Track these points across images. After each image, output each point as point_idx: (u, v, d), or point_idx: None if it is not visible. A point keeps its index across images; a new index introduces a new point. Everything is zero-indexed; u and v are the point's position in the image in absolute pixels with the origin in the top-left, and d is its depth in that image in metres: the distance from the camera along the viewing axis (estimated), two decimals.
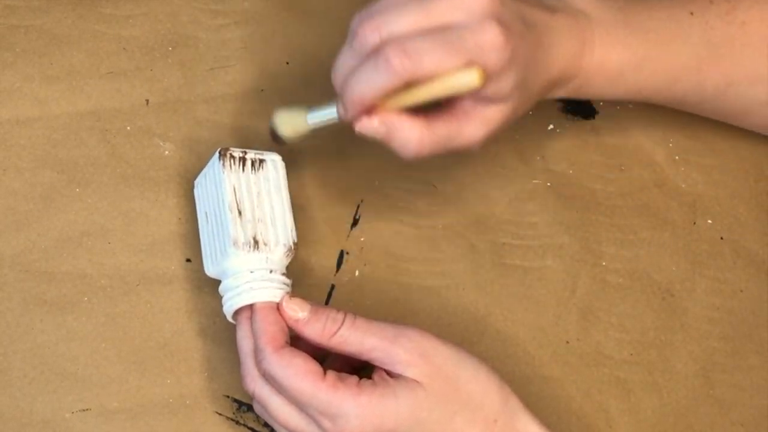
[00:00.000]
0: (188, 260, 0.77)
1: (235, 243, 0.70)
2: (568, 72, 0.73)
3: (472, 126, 0.68)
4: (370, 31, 0.66)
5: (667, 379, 0.78)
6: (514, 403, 0.68)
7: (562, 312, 0.79)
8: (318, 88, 0.84)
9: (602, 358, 0.78)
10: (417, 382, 0.65)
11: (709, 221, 0.83)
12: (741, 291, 0.81)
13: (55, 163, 0.79)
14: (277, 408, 0.67)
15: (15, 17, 0.83)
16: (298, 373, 0.65)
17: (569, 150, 0.85)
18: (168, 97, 0.82)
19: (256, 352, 0.68)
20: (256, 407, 0.70)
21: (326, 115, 0.71)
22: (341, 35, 0.88)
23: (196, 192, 0.76)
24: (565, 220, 0.82)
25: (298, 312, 0.68)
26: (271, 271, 0.70)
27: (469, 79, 0.65)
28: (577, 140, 0.85)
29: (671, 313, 0.80)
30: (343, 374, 0.66)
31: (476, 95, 0.67)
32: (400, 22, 0.65)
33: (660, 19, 0.75)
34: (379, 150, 0.83)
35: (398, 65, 0.64)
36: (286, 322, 0.68)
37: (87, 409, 0.72)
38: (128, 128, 0.81)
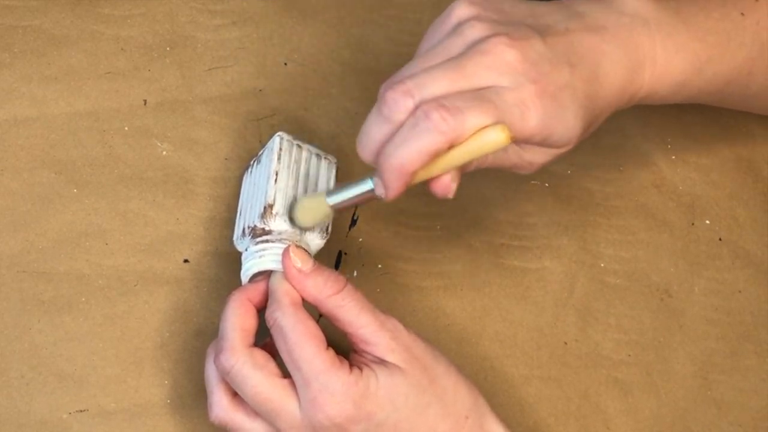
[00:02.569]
0: (186, 261, 0.77)
1: (270, 206, 0.70)
2: (629, 90, 0.69)
3: (522, 155, 0.68)
4: (402, 95, 0.62)
5: (665, 380, 0.77)
6: (482, 404, 0.68)
7: (560, 313, 0.79)
8: (316, 88, 0.84)
9: (600, 358, 0.78)
10: (397, 367, 0.65)
11: (707, 222, 0.83)
12: (739, 292, 0.81)
13: (53, 164, 0.79)
14: (256, 385, 0.65)
15: (13, 17, 0.83)
16: (307, 333, 0.65)
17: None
18: (166, 98, 0.82)
19: (270, 303, 0.67)
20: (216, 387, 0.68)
21: (350, 194, 0.67)
22: (339, 36, 0.88)
23: (244, 177, 0.76)
24: (563, 221, 0.82)
25: (302, 262, 0.67)
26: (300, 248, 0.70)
27: (496, 137, 0.61)
28: None
29: (669, 314, 0.80)
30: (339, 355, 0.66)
31: (542, 142, 0.65)
32: (434, 84, 0.62)
33: (716, 19, 0.72)
34: None
35: (441, 123, 0.60)
36: (287, 272, 0.67)
37: (84, 410, 0.72)
38: (126, 128, 0.81)
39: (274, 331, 0.66)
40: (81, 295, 0.75)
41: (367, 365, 0.65)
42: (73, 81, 0.82)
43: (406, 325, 0.68)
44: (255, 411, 0.66)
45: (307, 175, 0.73)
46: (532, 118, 0.62)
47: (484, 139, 0.61)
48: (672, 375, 0.78)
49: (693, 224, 0.83)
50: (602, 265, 0.81)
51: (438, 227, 0.81)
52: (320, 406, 0.64)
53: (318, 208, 0.69)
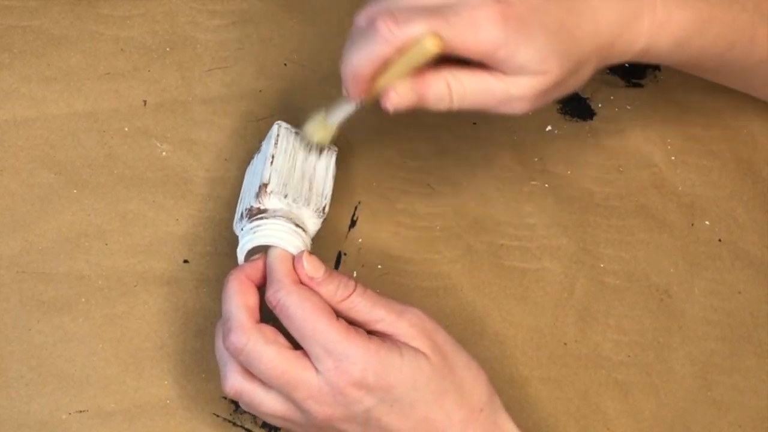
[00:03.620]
0: (186, 261, 0.77)
1: (265, 185, 0.70)
2: (625, 36, 0.70)
3: (502, 86, 0.67)
4: (364, 15, 0.66)
5: (665, 380, 0.77)
6: (497, 400, 0.69)
7: (560, 313, 0.79)
8: (316, 88, 0.84)
9: (600, 359, 0.78)
10: (421, 351, 0.66)
11: (707, 223, 0.83)
12: (739, 292, 0.81)
13: (52, 164, 0.79)
14: (271, 360, 0.65)
15: (12, 18, 0.83)
16: (315, 308, 0.65)
17: (567, 151, 0.85)
18: (166, 98, 0.82)
19: (270, 284, 0.67)
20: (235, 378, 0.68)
21: (343, 109, 0.71)
22: (339, 36, 0.88)
23: (246, 171, 0.77)
24: (562, 222, 0.82)
25: (314, 270, 0.68)
26: (296, 225, 0.70)
27: (425, 45, 0.64)
28: (575, 141, 0.85)
29: (669, 314, 0.80)
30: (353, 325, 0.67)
31: (505, 67, 0.66)
32: (396, 2, 0.66)
33: None
34: (377, 151, 0.83)
35: (386, 31, 0.64)
36: (300, 278, 0.68)
37: (84, 411, 0.72)
38: (126, 129, 0.81)
39: (279, 312, 0.66)
40: (81, 296, 0.75)
41: (393, 341, 0.66)
42: (72, 81, 0.82)
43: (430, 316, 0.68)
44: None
45: (305, 159, 0.73)
46: (486, 35, 0.64)
47: (415, 47, 0.64)
48: (672, 375, 0.78)
49: (693, 225, 0.83)
50: (602, 265, 0.81)
51: (438, 227, 0.81)
52: (342, 373, 0.64)
53: (322, 125, 0.72)
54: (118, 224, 0.78)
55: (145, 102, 0.82)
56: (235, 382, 0.67)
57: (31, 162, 0.79)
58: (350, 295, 0.67)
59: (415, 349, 0.66)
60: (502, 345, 0.78)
